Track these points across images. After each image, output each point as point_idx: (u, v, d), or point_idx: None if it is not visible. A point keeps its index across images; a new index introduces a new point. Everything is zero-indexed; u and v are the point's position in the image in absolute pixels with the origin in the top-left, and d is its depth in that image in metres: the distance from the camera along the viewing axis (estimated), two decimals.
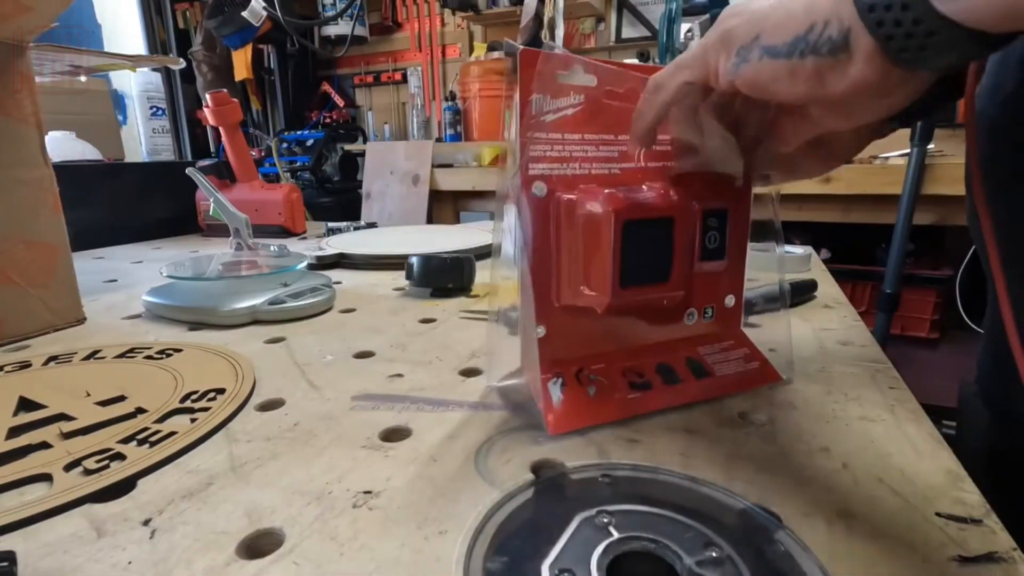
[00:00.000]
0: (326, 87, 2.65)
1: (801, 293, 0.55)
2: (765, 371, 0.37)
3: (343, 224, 1.05)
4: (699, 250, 0.33)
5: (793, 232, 1.48)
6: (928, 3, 0.19)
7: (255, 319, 0.53)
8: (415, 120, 2.43)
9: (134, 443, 0.30)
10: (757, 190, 0.36)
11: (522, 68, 0.30)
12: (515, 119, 0.30)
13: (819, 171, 0.33)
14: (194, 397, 0.36)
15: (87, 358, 0.43)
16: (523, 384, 0.36)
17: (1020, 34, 0.19)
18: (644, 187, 0.32)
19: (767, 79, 0.24)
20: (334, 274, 0.72)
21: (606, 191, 0.30)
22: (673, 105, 0.29)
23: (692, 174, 0.34)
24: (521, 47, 0.30)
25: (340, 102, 2.61)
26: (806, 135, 0.28)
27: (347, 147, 2.11)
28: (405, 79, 2.54)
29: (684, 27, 1.71)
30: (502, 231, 0.33)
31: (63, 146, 1.19)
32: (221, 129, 1.00)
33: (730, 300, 0.37)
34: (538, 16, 1.74)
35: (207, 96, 0.97)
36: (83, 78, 0.79)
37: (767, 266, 0.67)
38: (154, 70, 2.12)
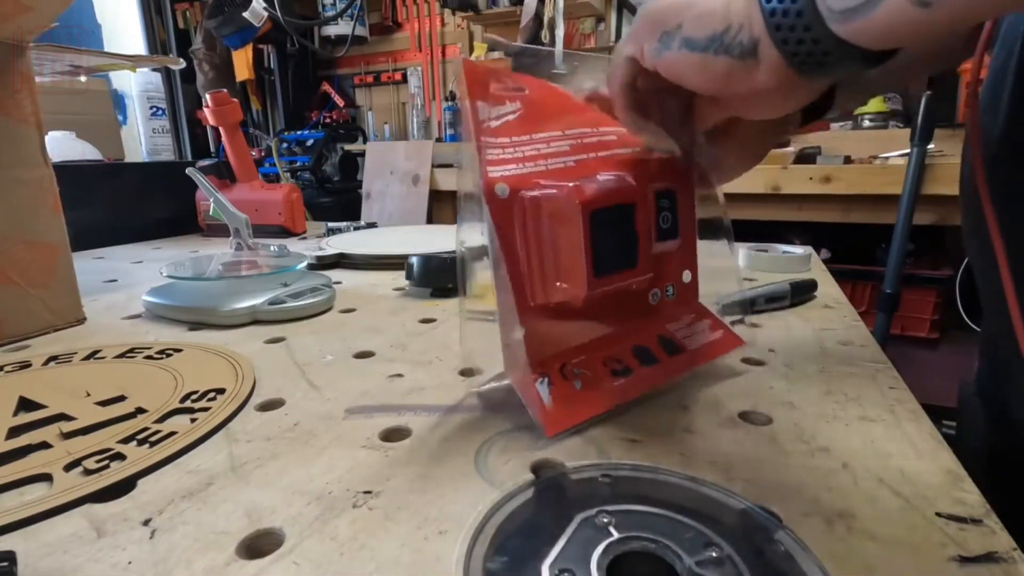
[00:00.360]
0: (326, 87, 2.65)
1: (801, 293, 0.55)
2: (729, 339, 0.38)
3: (343, 224, 1.05)
4: (655, 231, 0.34)
5: (793, 232, 1.48)
6: (826, 26, 0.22)
7: (255, 319, 0.53)
8: (415, 120, 2.43)
9: (134, 443, 0.30)
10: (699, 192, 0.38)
11: (466, 77, 0.30)
12: (469, 126, 0.31)
13: (738, 166, 0.35)
14: (194, 397, 0.36)
15: (87, 358, 0.43)
16: (504, 387, 0.36)
17: (899, 49, 0.22)
18: (600, 176, 0.32)
19: (683, 69, 0.26)
20: (334, 274, 0.72)
21: (569, 184, 0.30)
22: (627, 80, 0.30)
23: (637, 159, 0.35)
24: (463, 59, 0.31)
25: (340, 102, 2.61)
26: (717, 116, 0.31)
27: (347, 147, 2.11)
28: (405, 79, 2.54)
29: None
30: (465, 234, 0.33)
31: (63, 146, 1.19)
32: (221, 129, 1.00)
33: (687, 275, 0.38)
34: (538, 16, 1.74)
35: (207, 96, 0.97)
36: (83, 78, 0.79)
37: (767, 266, 0.67)
38: (154, 70, 2.12)
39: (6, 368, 0.42)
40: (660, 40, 0.26)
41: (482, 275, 0.33)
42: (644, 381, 0.34)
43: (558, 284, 0.31)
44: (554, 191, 0.30)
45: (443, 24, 2.44)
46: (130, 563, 0.22)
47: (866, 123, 1.61)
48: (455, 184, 1.79)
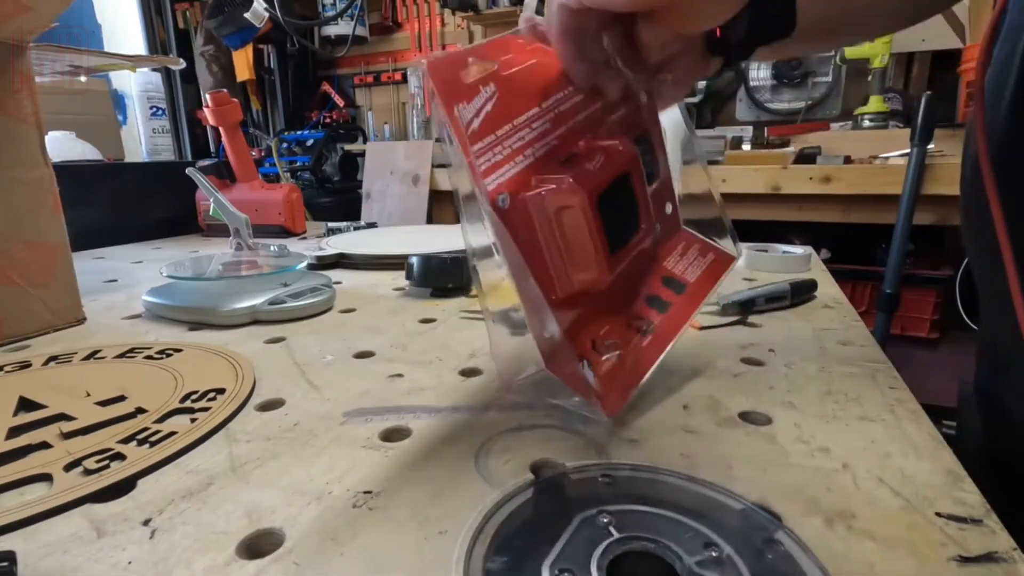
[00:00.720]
0: (326, 87, 2.65)
1: (801, 293, 0.55)
2: (722, 259, 0.38)
3: (343, 224, 1.05)
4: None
5: (793, 232, 1.48)
6: None
7: (255, 319, 0.53)
8: (415, 120, 2.43)
9: (134, 443, 0.30)
10: (693, 188, 0.38)
11: (435, 82, 0.29)
12: (455, 140, 0.29)
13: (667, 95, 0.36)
14: (194, 397, 0.36)
15: (87, 358, 0.43)
16: (538, 380, 0.36)
17: None
18: (592, 155, 0.31)
19: None
20: (334, 274, 0.72)
21: (568, 176, 0.30)
22: (565, 29, 0.30)
23: (609, 113, 0.34)
24: (426, 61, 0.28)
25: (340, 102, 2.62)
26: (662, 36, 0.31)
27: (347, 147, 2.11)
28: (405, 79, 2.54)
29: None
30: (472, 236, 0.33)
31: (63, 146, 1.19)
32: (221, 129, 1.00)
33: (669, 207, 0.38)
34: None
35: (207, 96, 0.97)
36: (83, 78, 0.79)
37: (767, 266, 0.67)
38: (154, 70, 2.12)
39: (6, 368, 0.42)
40: None
41: (492, 274, 0.33)
42: (670, 330, 0.34)
43: (579, 274, 0.31)
44: (553, 185, 0.30)
45: (443, 24, 2.45)
46: (130, 563, 0.22)
47: (866, 123, 1.61)
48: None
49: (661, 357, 0.33)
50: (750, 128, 1.76)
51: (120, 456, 0.29)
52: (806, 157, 1.47)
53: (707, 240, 0.39)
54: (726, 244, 0.38)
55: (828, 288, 0.59)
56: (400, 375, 0.40)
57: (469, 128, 0.30)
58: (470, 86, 0.30)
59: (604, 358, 0.32)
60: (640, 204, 0.32)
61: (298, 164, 1.98)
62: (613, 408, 0.30)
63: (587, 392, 0.31)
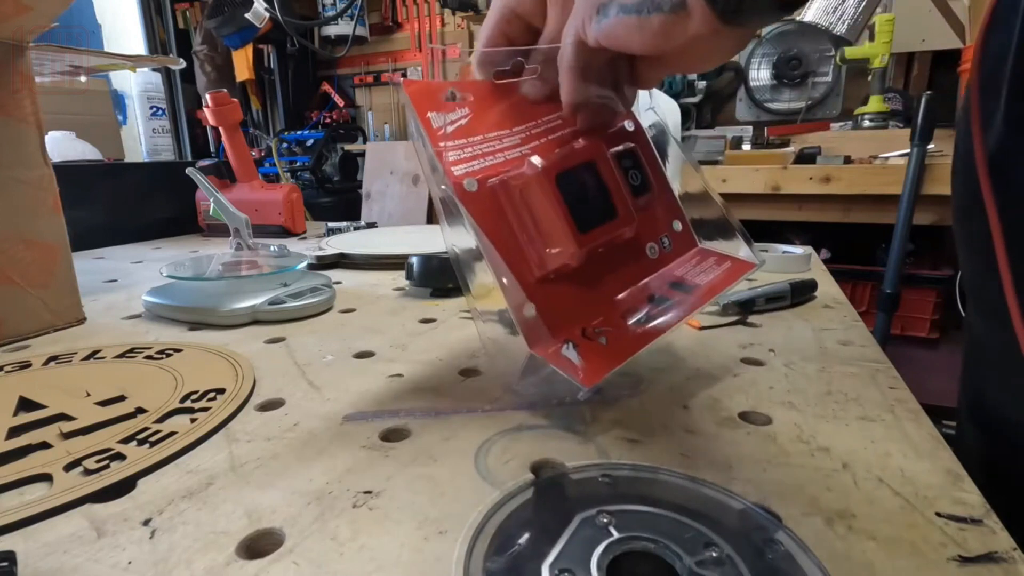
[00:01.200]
0: (326, 87, 2.65)
1: (801, 293, 0.55)
2: (739, 265, 0.38)
3: (343, 224, 1.05)
4: (627, 188, 0.35)
5: (793, 232, 1.48)
6: None
7: (255, 319, 0.53)
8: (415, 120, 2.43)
9: (134, 443, 0.30)
10: (690, 188, 0.39)
11: (411, 96, 0.33)
12: (424, 138, 0.32)
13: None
14: (194, 397, 0.36)
15: (87, 358, 0.43)
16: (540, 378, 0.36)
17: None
18: (556, 151, 0.34)
19: (622, 33, 0.28)
20: (334, 274, 0.72)
21: (529, 159, 0.32)
22: (577, 64, 0.32)
23: (584, 131, 0.36)
24: (402, 79, 0.33)
25: (340, 102, 2.62)
26: (659, 75, 0.34)
27: (347, 147, 2.11)
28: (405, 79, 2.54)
29: None
30: (452, 237, 0.34)
31: (63, 146, 1.19)
32: (221, 129, 1.00)
33: (678, 225, 0.39)
34: None
35: (207, 96, 0.97)
36: (83, 78, 0.79)
37: (767, 266, 0.67)
38: (154, 70, 2.12)
39: (6, 368, 0.42)
40: (599, 12, 0.29)
41: (481, 276, 0.34)
42: (670, 320, 0.34)
43: (550, 251, 0.32)
44: (517, 169, 0.32)
45: (443, 24, 2.45)
46: (130, 563, 0.22)
47: (866, 123, 1.61)
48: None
49: (654, 341, 0.33)
50: (750, 128, 1.76)
51: (120, 456, 0.29)
52: (806, 157, 1.47)
53: (726, 255, 0.39)
54: (745, 253, 0.38)
55: (828, 288, 0.59)
56: (400, 375, 0.40)
57: (441, 130, 0.33)
58: (445, 104, 0.33)
59: (592, 342, 0.33)
60: (613, 194, 0.34)
61: (298, 164, 1.98)
62: (590, 379, 0.30)
63: (570, 369, 0.31)
